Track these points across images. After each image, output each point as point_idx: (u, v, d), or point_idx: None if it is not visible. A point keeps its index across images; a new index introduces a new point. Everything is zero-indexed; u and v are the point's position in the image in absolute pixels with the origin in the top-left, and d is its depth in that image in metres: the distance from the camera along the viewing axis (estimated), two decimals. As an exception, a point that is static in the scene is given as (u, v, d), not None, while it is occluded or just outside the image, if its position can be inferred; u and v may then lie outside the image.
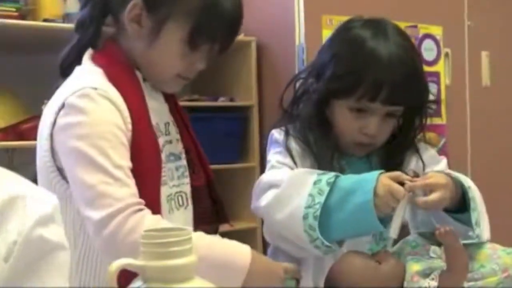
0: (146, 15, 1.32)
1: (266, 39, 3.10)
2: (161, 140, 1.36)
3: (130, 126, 1.27)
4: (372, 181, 1.31)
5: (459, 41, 3.35)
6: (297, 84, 1.58)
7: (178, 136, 1.44)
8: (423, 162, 1.54)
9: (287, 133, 1.52)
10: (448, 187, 1.33)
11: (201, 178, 1.47)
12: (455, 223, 1.34)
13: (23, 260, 0.69)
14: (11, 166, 2.61)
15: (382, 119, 1.46)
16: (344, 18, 1.57)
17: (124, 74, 1.34)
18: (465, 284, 1.29)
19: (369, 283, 1.29)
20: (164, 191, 1.34)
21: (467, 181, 1.40)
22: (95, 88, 1.26)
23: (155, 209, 1.27)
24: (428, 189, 1.32)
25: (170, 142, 1.41)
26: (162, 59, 1.35)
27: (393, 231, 1.31)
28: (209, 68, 1.42)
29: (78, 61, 1.35)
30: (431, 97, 1.56)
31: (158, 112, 1.39)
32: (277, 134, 1.55)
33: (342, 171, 1.46)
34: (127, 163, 1.24)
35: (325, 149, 1.49)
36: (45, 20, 2.54)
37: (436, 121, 3.02)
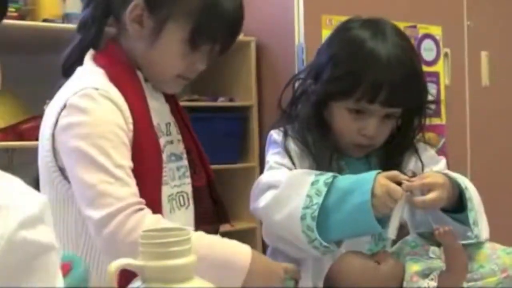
0: (147, 16, 1.33)
1: (266, 39, 3.10)
2: (162, 141, 1.37)
3: (131, 126, 1.27)
4: (370, 181, 1.31)
5: (458, 41, 3.36)
6: (296, 85, 1.58)
7: (179, 137, 1.44)
8: (422, 162, 1.54)
9: (285, 134, 1.52)
10: (445, 187, 1.33)
11: (202, 179, 1.47)
12: (453, 223, 1.34)
13: (7, 264, 0.68)
14: (10, 166, 2.63)
15: (381, 120, 1.46)
16: (344, 18, 1.57)
17: (125, 75, 1.34)
18: (465, 285, 1.29)
19: (368, 283, 1.29)
20: (166, 191, 1.35)
21: (464, 181, 1.40)
22: (97, 89, 1.26)
23: (156, 209, 1.27)
24: (426, 189, 1.32)
25: (171, 142, 1.41)
26: (163, 59, 1.35)
27: (391, 231, 1.31)
28: (208, 68, 1.42)
29: (80, 61, 1.36)
30: (430, 98, 1.55)
31: (159, 112, 1.39)
32: (275, 134, 1.55)
33: (341, 171, 1.46)
34: (128, 163, 1.25)
35: (323, 150, 1.48)
36: (44, 20, 2.54)
37: (436, 121, 3.02)
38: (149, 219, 1.21)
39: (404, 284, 1.28)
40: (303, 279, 1.39)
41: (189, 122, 1.50)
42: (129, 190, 1.22)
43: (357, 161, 1.52)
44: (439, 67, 3.26)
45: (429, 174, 1.37)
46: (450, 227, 1.27)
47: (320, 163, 1.47)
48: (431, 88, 2.99)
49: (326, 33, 1.62)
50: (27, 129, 2.45)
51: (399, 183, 1.31)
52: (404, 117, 1.52)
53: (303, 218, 1.33)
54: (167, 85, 1.41)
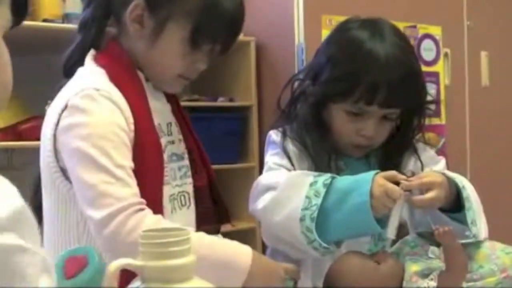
0: (148, 16, 1.33)
1: (266, 39, 3.10)
2: (163, 141, 1.37)
3: (132, 127, 1.27)
4: (368, 182, 1.31)
5: (458, 41, 3.36)
6: (295, 85, 1.58)
7: (180, 137, 1.45)
8: (421, 162, 1.54)
9: (284, 135, 1.52)
10: (443, 186, 1.33)
11: (203, 178, 1.47)
12: (451, 223, 1.34)
13: None
14: (10, 166, 2.62)
15: (380, 121, 1.46)
16: (344, 18, 1.57)
17: (126, 75, 1.34)
18: (464, 285, 1.29)
19: (368, 283, 1.29)
20: (167, 190, 1.35)
21: (462, 181, 1.40)
22: (97, 89, 1.26)
23: (157, 209, 1.27)
24: (425, 188, 1.32)
25: (173, 142, 1.41)
26: (164, 59, 1.35)
27: (390, 231, 1.31)
28: (208, 68, 1.42)
29: (81, 61, 1.36)
30: (429, 98, 1.55)
31: (161, 112, 1.39)
32: (274, 135, 1.54)
33: (340, 172, 1.46)
34: (129, 163, 1.25)
35: (322, 150, 1.48)
36: (44, 20, 2.54)
37: (436, 121, 3.02)
38: (149, 219, 1.21)
39: (404, 284, 1.28)
40: (303, 279, 1.40)
41: (189, 122, 1.50)
42: (130, 191, 1.22)
43: (356, 161, 1.52)
44: (439, 67, 3.26)
45: (427, 174, 1.37)
46: (450, 227, 1.27)
47: (318, 163, 1.47)
48: (431, 88, 3.01)
49: (326, 33, 1.62)
50: (26, 129, 2.45)
51: (397, 183, 1.31)
52: (404, 117, 1.52)
53: (302, 219, 1.33)
54: (168, 85, 1.41)
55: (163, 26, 1.32)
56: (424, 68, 1.55)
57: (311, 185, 1.36)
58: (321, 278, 1.36)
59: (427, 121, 1.56)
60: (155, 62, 1.36)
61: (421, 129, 1.56)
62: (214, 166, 1.54)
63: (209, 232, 1.32)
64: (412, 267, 1.30)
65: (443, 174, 1.38)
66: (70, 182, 1.27)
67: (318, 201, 1.33)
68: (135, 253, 0.81)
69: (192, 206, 1.43)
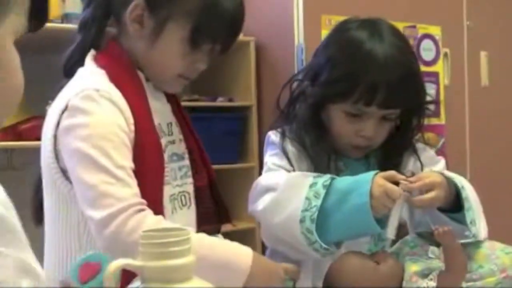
0: (148, 16, 1.33)
1: (265, 39, 3.10)
2: (163, 141, 1.37)
3: (132, 127, 1.27)
4: (368, 182, 1.31)
5: (458, 41, 3.36)
6: (294, 85, 1.58)
7: (181, 136, 1.45)
8: (421, 163, 1.54)
9: (283, 135, 1.52)
10: (443, 186, 1.33)
11: (204, 178, 1.47)
12: (451, 223, 1.34)
13: None
14: (10, 166, 2.62)
15: (379, 122, 1.46)
16: (343, 18, 1.57)
17: (126, 75, 1.34)
18: (464, 285, 1.29)
19: (368, 284, 1.29)
20: (168, 190, 1.35)
21: (461, 181, 1.40)
22: (97, 90, 1.26)
23: (158, 209, 1.27)
24: (425, 189, 1.32)
25: (173, 142, 1.41)
26: (164, 59, 1.35)
27: (390, 231, 1.31)
28: (208, 68, 1.42)
29: (81, 61, 1.36)
30: (429, 98, 1.55)
31: (161, 112, 1.39)
32: (273, 136, 1.54)
33: (339, 172, 1.46)
34: (129, 163, 1.25)
35: (321, 151, 1.48)
36: (44, 20, 2.54)
37: (435, 121, 3.02)
38: (150, 220, 1.21)
39: (404, 284, 1.28)
40: (303, 280, 1.39)
41: (190, 122, 1.49)
42: (130, 191, 1.22)
43: (355, 161, 1.52)
44: (438, 67, 3.26)
45: (427, 174, 1.37)
46: (450, 227, 1.27)
47: (318, 164, 1.47)
48: (431, 88, 3.01)
49: (325, 33, 1.62)
50: (26, 129, 2.45)
51: (396, 183, 1.31)
52: (403, 117, 1.52)
53: (302, 220, 1.33)
54: (168, 85, 1.41)
55: (163, 26, 1.32)
56: (424, 68, 1.55)
57: (310, 186, 1.36)
58: (321, 278, 1.36)
59: (426, 121, 1.56)
60: (155, 62, 1.36)
61: (421, 129, 1.56)
62: (214, 166, 1.54)
63: (209, 232, 1.32)
64: (412, 267, 1.30)
65: (442, 174, 1.38)
66: (71, 182, 1.27)
67: (318, 202, 1.33)
68: (136, 254, 0.81)
69: (193, 206, 1.43)
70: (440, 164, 1.56)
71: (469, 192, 1.38)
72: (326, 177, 1.37)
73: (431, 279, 1.26)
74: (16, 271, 0.67)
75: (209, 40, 1.35)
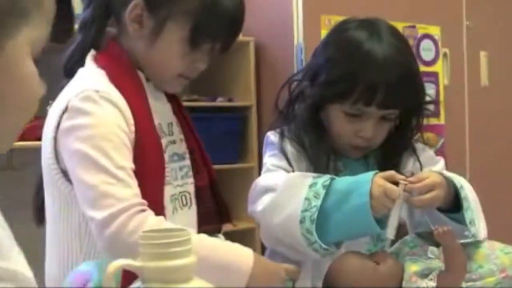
0: (147, 15, 1.33)
1: (265, 39, 3.10)
2: (164, 141, 1.37)
3: (132, 128, 1.27)
4: (367, 182, 1.31)
5: (457, 41, 3.36)
6: (293, 86, 1.57)
7: (181, 136, 1.44)
8: (420, 163, 1.54)
9: (282, 135, 1.52)
10: (442, 186, 1.33)
11: (204, 178, 1.47)
12: (450, 223, 1.34)
13: None
14: (10, 166, 2.62)
15: (378, 122, 1.46)
16: (343, 18, 1.57)
17: (126, 75, 1.34)
18: (463, 285, 1.29)
19: (367, 284, 1.29)
20: (168, 191, 1.35)
21: (460, 181, 1.40)
22: (97, 91, 1.26)
23: (159, 209, 1.27)
24: (425, 190, 1.32)
25: (174, 142, 1.41)
26: (163, 59, 1.35)
27: (390, 231, 1.31)
28: (207, 68, 1.42)
29: (81, 61, 1.36)
30: (428, 98, 1.55)
31: (161, 112, 1.39)
32: (272, 136, 1.54)
33: (338, 173, 1.46)
34: (129, 164, 1.24)
35: (320, 151, 1.48)
36: (44, 20, 2.53)
37: (435, 121, 3.02)
38: (151, 220, 1.21)
39: (403, 284, 1.29)
40: (303, 280, 1.39)
41: (191, 122, 1.49)
42: (131, 191, 1.22)
43: (355, 162, 1.52)
44: (438, 67, 3.26)
45: (427, 174, 1.37)
46: (449, 227, 1.28)
47: (317, 164, 1.47)
48: (430, 88, 3.01)
49: (325, 33, 1.62)
50: (26, 129, 2.42)
51: (396, 183, 1.31)
52: (402, 117, 1.52)
53: (302, 221, 1.33)
54: (168, 85, 1.41)
55: (163, 26, 1.32)
56: (423, 68, 1.55)
57: (310, 186, 1.36)
58: (321, 278, 1.36)
59: (426, 121, 1.56)
60: (155, 62, 1.36)
61: (420, 129, 1.56)
62: (214, 167, 1.54)
63: (210, 232, 1.32)
64: (412, 267, 1.30)
65: (441, 174, 1.38)
66: (71, 183, 1.27)
67: (318, 202, 1.33)
68: (137, 254, 0.81)
69: (194, 206, 1.43)
70: (440, 164, 1.56)
71: (468, 192, 1.38)
72: (326, 177, 1.37)
73: (430, 279, 1.26)
74: None
75: (209, 39, 1.35)
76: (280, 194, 1.39)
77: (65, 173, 1.28)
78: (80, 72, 1.34)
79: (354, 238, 1.40)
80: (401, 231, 1.39)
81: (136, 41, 1.35)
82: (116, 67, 1.34)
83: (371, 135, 1.46)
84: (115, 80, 1.31)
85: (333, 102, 1.46)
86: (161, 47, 1.34)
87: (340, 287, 1.30)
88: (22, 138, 2.43)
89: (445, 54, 3.29)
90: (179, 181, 1.39)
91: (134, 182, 1.23)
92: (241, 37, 2.83)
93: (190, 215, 1.41)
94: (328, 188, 1.34)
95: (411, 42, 3.06)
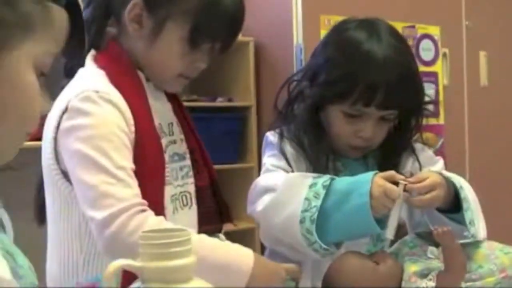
0: (147, 15, 1.32)
1: (264, 39, 3.10)
2: (164, 141, 1.36)
3: (132, 128, 1.27)
4: (367, 182, 1.31)
5: (457, 41, 3.36)
6: (292, 86, 1.57)
7: (182, 136, 1.44)
8: (419, 163, 1.54)
9: (281, 136, 1.52)
10: (442, 186, 1.33)
11: (205, 178, 1.47)
12: (450, 223, 1.34)
13: None
14: (8, 166, 2.62)
15: (377, 122, 1.46)
16: (342, 18, 1.57)
17: (126, 76, 1.34)
18: (463, 285, 1.29)
19: (367, 284, 1.29)
20: (169, 191, 1.35)
21: (459, 181, 1.40)
22: (97, 91, 1.26)
23: (159, 209, 1.27)
24: (425, 190, 1.32)
25: (174, 142, 1.41)
26: (163, 58, 1.35)
27: (389, 232, 1.31)
28: (207, 68, 1.41)
29: (81, 62, 1.35)
30: (427, 98, 1.55)
31: (161, 112, 1.39)
32: (271, 136, 1.54)
33: (338, 173, 1.46)
34: (129, 164, 1.24)
35: (320, 152, 1.48)
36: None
37: (434, 121, 3.02)
38: (152, 220, 1.21)
39: (403, 284, 1.29)
40: (302, 280, 1.39)
41: (191, 122, 1.49)
42: (131, 191, 1.22)
43: (354, 162, 1.52)
44: (437, 67, 3.26)
45: (427, 174, 1.37)
46: (449, 227, 1.28)
47: (316, 165, 1.47)
48: (430, 88, 3.01)
49: (324, 33, 1.62)
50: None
51: (396, 183, 1.31)
52: (401, 117, 1.52)
53: (302, 221, 1.33)
54: (169, 84, 1.41)
55: (162, 26, 1.32)
56: (423, 68, 1.55)
57: (310, 186, 1.36)
58: (321, 279, 1.36)
59: (425, 121, 1.56)
60: (155, 62, 1.36)
61: (419, 130, 1.56)
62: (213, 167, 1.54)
63: (211, 232, 1.31)
64: (411, 267, 1.30)
65: (441, 174, 1.38)
66: (72, 184, 1.26)
67: (318, 202, 1.33)
68: (137, 254, 0.81)
69: (194, 206, 1.42)
70: (439, 164, 1.56)
71: (468, 192, 1.38)
72: (326, 178, 1.37)
73: (430, 279, 1.26)
74: None
75: (209, 39, 1.35)
76: (280, 194, 1.39)
77: (65, 174, 1.28)
78: (80, 72, 1.34)
79: (354, 238, 1.40)
80: (400, 231, 1.39)
81: (136, 41, 1.35)
82: (116, 67, 1.34)
83: (370, 136, 1.46)
84: (115, 80, 1.31)
85: (333, 103, 1.46)
86: (160, 47, 1.34)
87: (339, 287, 1.30)
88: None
89: (444, 54, 3.29)
90: (180, 181, 1.39)
91: (134, 182, 1.23)
92: (240, 37, 2.84)
93: (190, 215, 1.41)
94: (328, 188, 1.34)
95: (411, 42, 3.06)
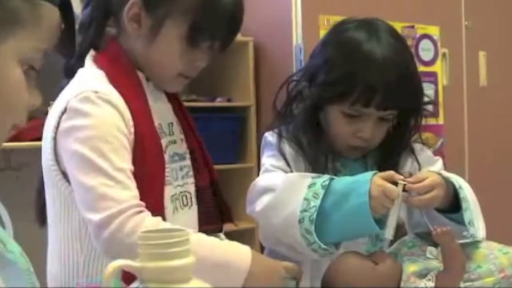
0: (145, 15, 1.32)
1: (264, 40, 3.10)
2: (164, 141, 1.36)
3: (132, 129, 1.27)
4: (366, 182, 1.31)
5: (456, 41, 3.36)
6: (291, 86, 1.57)
7: (182, 136, 1.44)
8: (418, 163, 1.54)
9: (280, 136, 1.52)
10: (441, 186, 1.33)
11: (205, 178, 1.47)
12: (449, 223, 1.34)
13: None
14: (8, 166, 2.62)
15: (376, 123, 1.46)
16: (341, 18, 1.57)
17: (126, 76, 1.34)
18: (462, 285, 1.29)
19: (366, 284, 1.29)
20: (169, 191, 1.35)
21: (458, 181, 1.40)
22: (96, 92, 1.26)
23: (159, 210, 1.27)
24: (424, 190, 1.32)
25: (174, 142, 1.41)
26: (162, 58, 1.35)
27: (388, 232, 1.31)
28: (206, 68, 1.41)
29: (81, 62, 1.35)
30: (426, 98, 1.55)
31: (161, 112, 1.39)
32: (270, 136, 1.54)
33: (337, 173, 1.46)
34: (128, 165, 1.24)
35: (319, 152, 1.48)
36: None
37: (434, 121, 3.02)
38: (149, 221, 1.21)
39: (402, 284, 1.29)
40: (302, 281, 1.39)
41: (191, 122, 1.49)
42: (129, 193, 1.22)
43: (353, 162, 1.52)
44: (437, 67, 3.27)
45: (426, 174, 1.37)
46: (448, 227, 1.28)
47: (315, 165, 1.47)
48: (429, 88, 3.01)
49: (323, 33, 1.62)
50: (25, 129, 2.44)
51: (395, 183, 1.31)
52: (401, 117, 1.52)
53: (301, 221, 1.33)
54: (168, 84, 1.41)
55: (161, 25, 1.31)
56: (422, 68, 1.55)
57: (309, 186, 1.36)
58: (320, 278, 1.36)
59: (424, 121, 1.56)
60: (154, 61, 1.36)
61: (418, 130, 1.56)
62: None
63: (211, 232, 1.31)
64: (410, 268, 1.30)
65: (440, 174, 1.38)
66: (71, 184, 1.27)
67: (317, 202, 1.33)
68: (135, 255, 0.81)
69: (194, 206, 1.42)
70: (438, 164, 1.56)
71: (467, 192, 1.38)
72: (325, 178, 1.37)
73: (429, 280, 1.26)
74: None
75: (208, 38, 1.34)
76: (279, 194, 1.39)
77: (65, 175, 1.28)
78: (80, 72, 1.34)
79: (353, 238, 1.40)
80: (399, 231, 1.39)
81: (135, 41, 1.35)
82: (115, 67, 1.33)
83: (369, 136, 1.46)
84: (114, 81, 1.31)
85: (332, 103, 1.46)
86: (160, 46, 1.33)
87: (338, 287, 1.30)
88: (19, 138, 2.43)
89: (444, 54, 3.30)
90: (180, 181, 1.39)
91: (132, 184, 1.23)
92: (240, 37, 2.85)
93: (190, 215, 1.41)
94: (327, 188, 1.34)
95: (410, 42, 3.06)
